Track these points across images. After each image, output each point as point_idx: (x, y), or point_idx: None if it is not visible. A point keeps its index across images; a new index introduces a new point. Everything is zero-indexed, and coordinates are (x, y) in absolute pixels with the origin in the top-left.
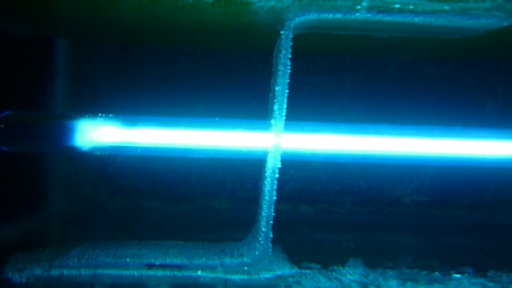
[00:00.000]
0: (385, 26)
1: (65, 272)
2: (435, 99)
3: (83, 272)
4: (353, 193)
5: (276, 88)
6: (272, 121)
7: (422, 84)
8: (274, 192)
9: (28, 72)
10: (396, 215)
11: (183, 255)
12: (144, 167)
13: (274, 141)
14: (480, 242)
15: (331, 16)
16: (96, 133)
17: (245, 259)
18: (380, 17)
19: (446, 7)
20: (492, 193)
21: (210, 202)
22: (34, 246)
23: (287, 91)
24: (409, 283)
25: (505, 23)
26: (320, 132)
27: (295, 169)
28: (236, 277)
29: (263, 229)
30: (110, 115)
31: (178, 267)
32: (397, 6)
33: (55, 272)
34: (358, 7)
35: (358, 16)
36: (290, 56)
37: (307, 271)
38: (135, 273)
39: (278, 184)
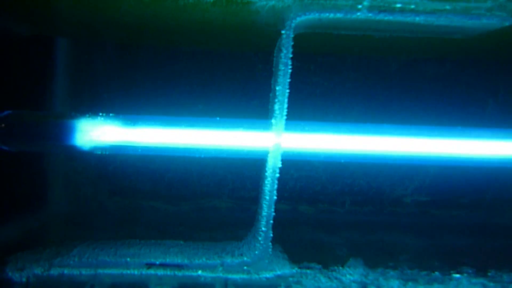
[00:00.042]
0: (386, 26)
1: (65, 271)
2: (435, 99)
3: (83, 271)
4: (354, 192)
5: (277, 88)
6: (273, 121)
7: (423, 84)
8: (275, 192)
9: (28, 71)
10: (397, 215)
11: (183, 254)
12: (144, 167)
13: (275, 140)
14: (480, 242)
15: (332, 15)
16: (97, 133)
17: (245, 258)
18: (381, 16)
19: (447, 7)
20: (493, 193)
21: (211, 201)
22: (34, 245)
23: (287, 90)
24: (410, 284)
25: (507, 23)
26: (321, 131)
27: (296, 168)
28: (236, 276)
29: (263, 228)
30: (110, 114)
31: (178, 266)
32: (398, 5)
33: (55, 272)
34: (359, 6)
35: (359, 15)
36: (291, 55)
37: (308, 271)
38: (136, 272)
39: (279, 184)
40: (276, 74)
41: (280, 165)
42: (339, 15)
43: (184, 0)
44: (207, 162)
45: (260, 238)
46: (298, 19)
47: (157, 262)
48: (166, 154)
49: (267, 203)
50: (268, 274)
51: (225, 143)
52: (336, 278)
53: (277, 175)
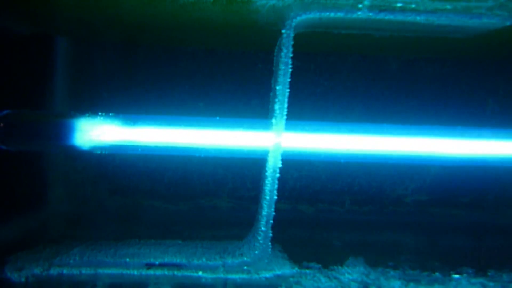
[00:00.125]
0: (386, 25)
1: (65, 271)
2: (436, 99)
3: (83, 271)
4: (353, 192)
5: (277, 87)
6: (273, 120)
7: (423, 83)
8: (275, 192)
9: (28, 70)
10: (397, 214)
11: (183, 254)
12: (144, 166)
13: (275, 140)
14: (481, 242)
15: (332, 14)
16: (96, 132)
17: (245, 258)
18: (381, 16)
19: (448, 6)
20: (494, 193)
21: (211, 201)
22: (34, 245)
23: (288, 90)
24: (411, 284)
25: (508, 23)
26: (321, 131)
27: (296, 168)
28: (236, 276)
29: (263, 228)
30: (110, 113)
31: (178, 266)
32: (399, 5)
33: (54, 271)
34: (360, 5)
35: (360, 14)
36: (291, 55)
37: (307, 270)
38: (135, 272)
39: (278, 183)
40: (276, 73)
41: (280, 165)
42: (339, 14)
43: None
44: (207, 162)
45: (259, 238)
46: (299, 18)
47: (157, 262)
48: (166, 153)
49: (267, 202)
50: (268, 274)
51: (225, 143)
52: (336, 278)
53: (278, 174)
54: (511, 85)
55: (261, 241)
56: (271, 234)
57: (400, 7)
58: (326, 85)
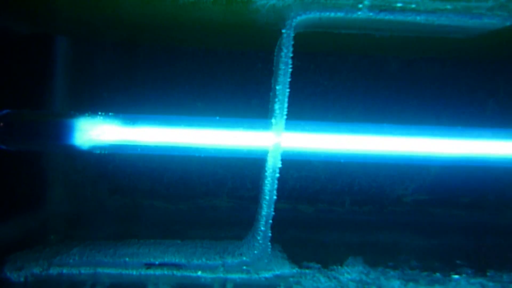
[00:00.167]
0: (386, 25)
1: (65, 270)
2: (436, 99)
3: (82, 270)
4: (353, 192)
5: (277, 87)
6: (273, 120)
7: (423, 83)
8: (275, 192)
9: (27, 70)
10: (397, 214)
11: (182, 254)
12: (144, 166)
13: (275, 140)
14: (481, 242)
15: (332, 14)
16: (96, 132)
17: (244, 258)
18: (382, 16)
19: (448, 6)
20: (494, 193)
21: (210, 201)
22: (34, 245)
23: (288, 90)
24: (411, 284)
25: (508, 23)
26: (321, 131)
27: (296, 168)
28: (235, 276)
29: (262, 228)
30: (110, 113)
31: (178, 266)
32: (399, 5)
33: (54, 271)
34: (360, 5)
35: (360, 14)
36: (291, 55)
37: (307, 270)
38: (134, 272)
39: (278, 183)
40: (276, 73)
41: (280, 165)
42: (339, 14)
43: None
44: (206, 161)
45: (259, 238)
46: (299, 18)
47: (157, 262)
48: (165, 153)
49: (267, 202)
50: (267, 274)
51: (225, 143)
52: (335, 278)
53: (277, 174)
54: (511, 85)
55: (260, 241)
56: (270, 234)
57: (400, 7)
58: (326, 85)
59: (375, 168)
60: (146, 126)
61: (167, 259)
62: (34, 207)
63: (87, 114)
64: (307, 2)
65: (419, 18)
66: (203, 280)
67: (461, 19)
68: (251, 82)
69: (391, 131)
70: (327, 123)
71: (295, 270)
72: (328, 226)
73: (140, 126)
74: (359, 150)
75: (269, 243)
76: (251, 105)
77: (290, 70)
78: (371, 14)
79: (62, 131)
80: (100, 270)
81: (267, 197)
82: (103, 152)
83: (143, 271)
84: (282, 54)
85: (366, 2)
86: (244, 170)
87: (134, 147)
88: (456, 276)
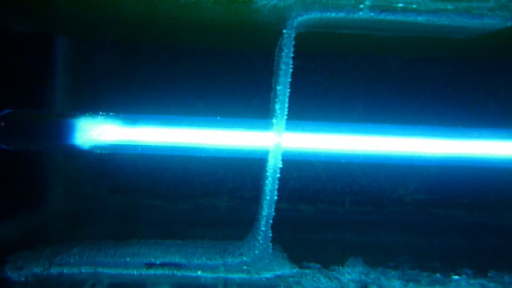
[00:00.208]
0: (387, 25)
1: (65, 270)
2: (437, 99)
3: (83, 270)
4: (354, 192)
5: (278, 87)
6: (274, 120)
7: (424, 83)
8: (275, 192)
9: (28, 69)
10: (397, 214)
11: (182, 254)
12: (144, 166)
13: (275, 140)
14: (481, 242)
15: (333, 15)
16: (97, 132)
17: (245, 258)
18: (383, 16)
19: (449, 7)
20: (494, 193)
21: (211, 200)
22: (34, 244)
23: (288, 90)
24: (411, 284)
25: (509, 23)
26: (322, 131)
27: (296, 168)
28: (235, 276)
29: (263, 228)
30: (110, 113)
31: (178, 266)
32: (400, 5)
33: (54, 271)
34: (361, 6)
35: (361, 15)
36: (292, 55)
37: (307, 270)
38: (135, 272)
39: (279, 183)
40: (277, 73)
41: (280, 165)
42: (340, 15)
43: None
44: (207, 161)
45: (259, 238)
46: (300, 18)
47: (157, 262)
48: (166, 153)
49: (267, 202)
50: (268, 274)
51: (226, 143)
52: (336, 278)
53: (278, 174)
54: (511, 85)
55: (261, 241)
56: (271, 234)
57: (401, 7)
58: (326, 85)
59: (375, 168)
60: (146, 126)
61: (167, 259)
62: (34, 207)
63: (87, 114)
64: (308, 2)
65: (420, 19)
66: (204, 280)
67: (462, 19)
68: (251, 82)
69: (391, 131)
70: (327, 123)
71: (296, 270)
72: (329, 226)
73: (140, 126)
74: (360, 150)
75: (270, 243)
76: (252, 105)
77: (291, 70)
78: (372, 14)
79: (63, 131)
80: (100, 269)
81: (267, 197)
82: (103, 151)
83: (144, 271)
84: (283, 54)
85: (367, 3)
86: (245, 170)
87: (135, 147)
88: (457, 277)
